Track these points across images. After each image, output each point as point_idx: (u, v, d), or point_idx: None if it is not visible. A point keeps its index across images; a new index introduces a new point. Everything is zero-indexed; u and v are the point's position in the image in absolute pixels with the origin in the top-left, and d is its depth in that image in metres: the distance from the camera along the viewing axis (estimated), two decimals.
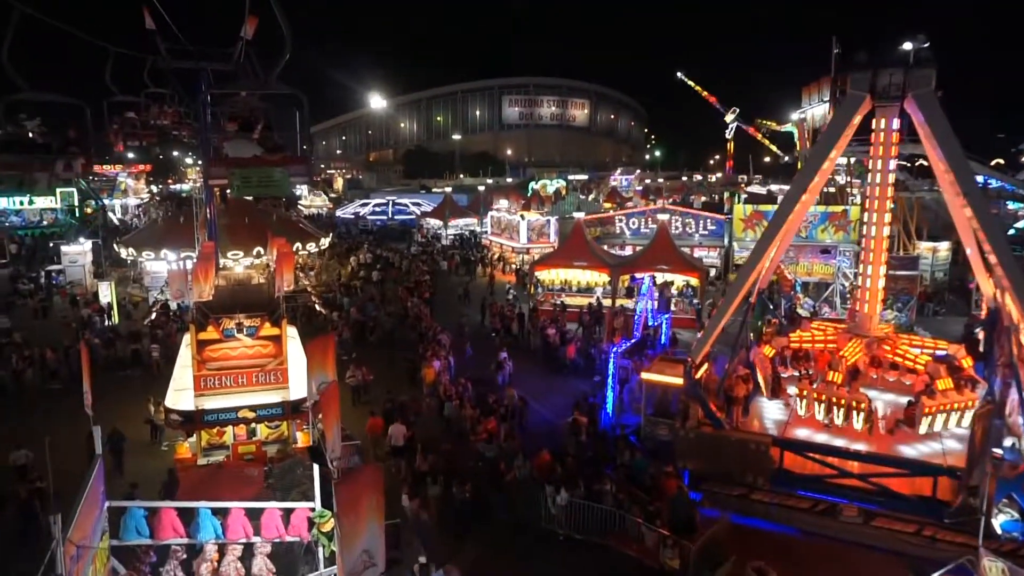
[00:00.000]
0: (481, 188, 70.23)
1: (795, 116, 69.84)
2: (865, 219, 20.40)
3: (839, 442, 17.38)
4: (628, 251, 41.88)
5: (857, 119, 18.78)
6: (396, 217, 73.15)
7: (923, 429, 17.72)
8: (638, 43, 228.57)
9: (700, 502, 15.77)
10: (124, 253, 35.53)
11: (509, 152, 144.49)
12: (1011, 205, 59.93)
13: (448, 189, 71.19)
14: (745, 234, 42.89)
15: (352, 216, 74.65)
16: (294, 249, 30.60)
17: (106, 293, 33.07)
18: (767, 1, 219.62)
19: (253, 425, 17.11)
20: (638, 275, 33.11)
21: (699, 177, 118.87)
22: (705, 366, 18.75)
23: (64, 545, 7.93)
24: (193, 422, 16.35)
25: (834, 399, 18.07)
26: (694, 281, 34.43)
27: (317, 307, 33.25)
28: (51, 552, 7.75)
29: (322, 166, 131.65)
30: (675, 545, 14.17)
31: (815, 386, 18.87)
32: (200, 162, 24.68)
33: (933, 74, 17.85)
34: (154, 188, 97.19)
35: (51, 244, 47.62)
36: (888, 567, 14.34)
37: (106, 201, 71.80)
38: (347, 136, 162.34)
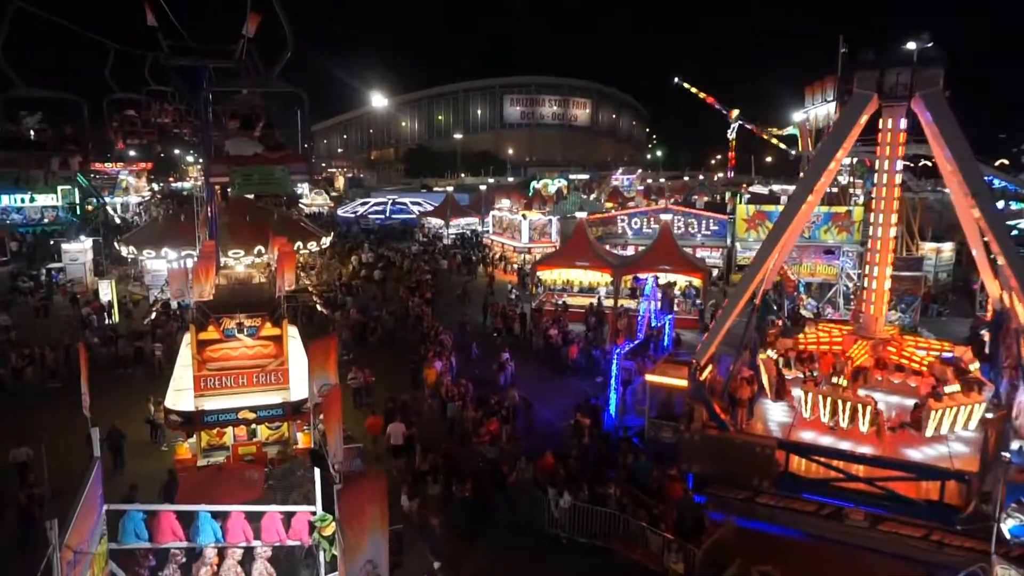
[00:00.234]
0: (483, 187, 70.08)
1: (798, 117, 69.78)
2: (871, 220, 20.18)
3: (845, 445, 17.19)
4: (630, 251, 41.72)
5: (864, 119, 18.60)
6: (397, 216, 72.97)
7: (929, 432, 17.52)
8: (639, 42, 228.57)
9: (705, 505, 15.61)
10: (125, 251, 35.41)
11: (510, 151, 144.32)
12: (1014, 205, 59.75)
13: (450, 188, 71.01)
14: (748, 234, 42.77)
15: (353, 215, 74.50)
16: (295, 248, 30.46)
17: (106, 291, 32.94)
18: (769, 4, 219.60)
19: (253, 426, 16.98)
20: (641, 276, 32.94)
21: (701, 177, 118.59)
22: (709, 368, 18.59)
23: (61, 551, 7.78)
24: (193, 423, 16.21)
25: (840, 401, 17.89)
26: (697, 282, 34.27)
27: (318, 307, 33.09)
28: (47, 558, 7.59)
29: (323, 165, 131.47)
30: (680, 549, 14.01)
31: (821, 387, 18.69)
32: (201, 160, 24.50)
33: (941, 73, 17.65)
34: (155, 186, 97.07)
35: (52, 242, 47.49)
36: (896, 572, 14.20)
37: (107, 199, 71.75)
38: (348, 135, 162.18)
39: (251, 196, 37.76)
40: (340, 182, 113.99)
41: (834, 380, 18.44)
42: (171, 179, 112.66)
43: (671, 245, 35.19)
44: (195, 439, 16.89)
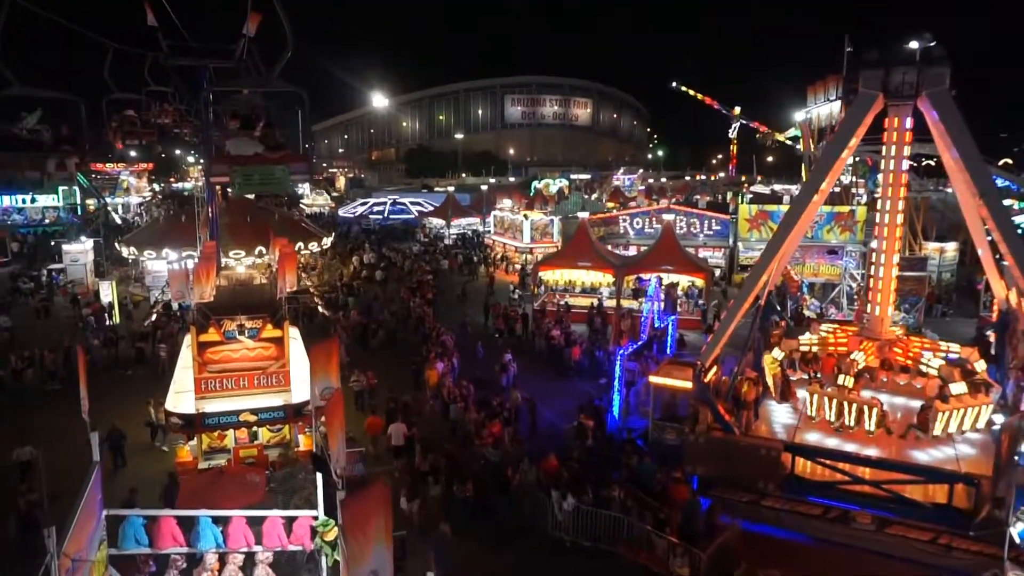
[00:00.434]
0: (484, 188, 69.95)
1: (800, 116, 69.69)
2: (877, 220, 20.03)
3: (850, 447, 17.04)
4: (632, 251, 41.60)
5: (869, 118, 18.44)
6: (398, 216, 72.86)
7: (936, 433, 17.37)
8: (640, 42, 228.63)
9: (711, 508, 15.46)
10: (125, 252, 35.29)
11: (511, 151, 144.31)
12: (1016, 205, 59.64)
13: (451, 188, 70.91)
14: (750, 234, 42.61)
15: (354, 215, 74.41)
16: (296, 248, 30.33)
17: (107, 292, 32.83)
18: (769, 3, 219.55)
19: (255, 429, 16.84)
20: (644, 276, 32.81)
21: (702, 177, 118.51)
22: (714, 369, 18.45)
23: (59, 559, 7.66)
24: (194, 425, 16.07)
25: (846, 403, 17.75)
26: (699, 282, 34.13)
27: (319, 308, 32.94)
28: (45, 566, 7.46)
29: (324, 165, 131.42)
30: (685, 553, 13.87)
31: (826, 389, 18.55)
32: (202, 160, 24.40)
33: (947, 72, 17.51)
34: (156, 186, 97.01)
35: (52, 243, 47.40)
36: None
37: (108, 199, 71.66)
38: (349, 135, 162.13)
39: (252, 196, 37.74)
40: (341, 182, 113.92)
41: (840, 381, 18.30)
42: (172, 180, 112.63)
43: (673, 245, 35.05)
44: (196, 442, 16.74)
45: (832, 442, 17.50)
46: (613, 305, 33.70)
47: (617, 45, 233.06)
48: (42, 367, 24.83)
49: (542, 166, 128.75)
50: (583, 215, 38.38)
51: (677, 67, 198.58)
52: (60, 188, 62.94)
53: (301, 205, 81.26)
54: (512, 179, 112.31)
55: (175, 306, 29.88)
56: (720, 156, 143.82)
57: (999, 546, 13.20)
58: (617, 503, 15.39)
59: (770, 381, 19.95)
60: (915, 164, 51.46)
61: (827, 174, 18.57)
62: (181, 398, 16.91)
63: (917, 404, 19.07)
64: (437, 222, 63.66)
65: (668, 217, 38.08)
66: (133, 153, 74.39)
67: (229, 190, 20.21)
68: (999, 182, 55.65)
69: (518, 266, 46.34)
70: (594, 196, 72.88)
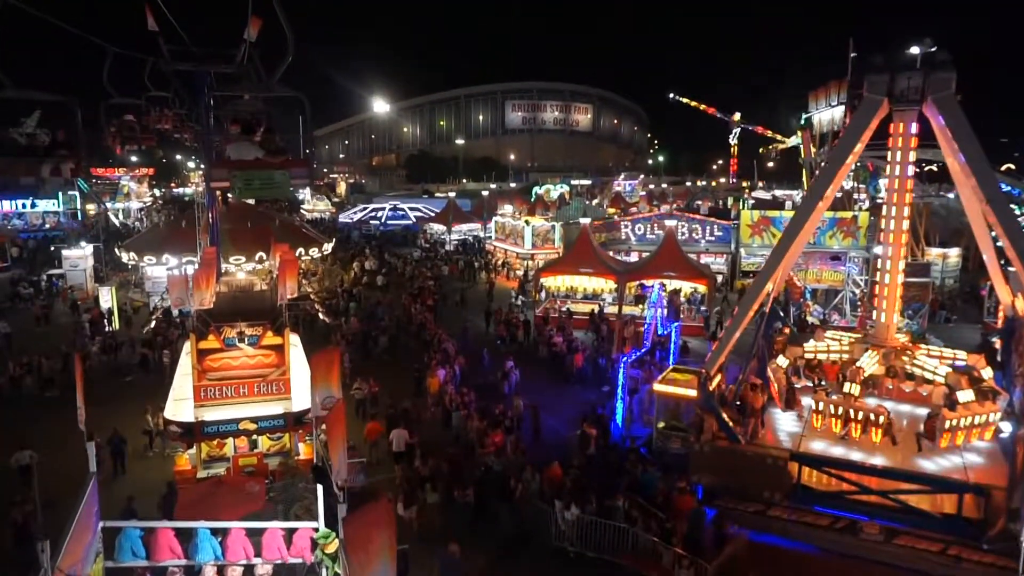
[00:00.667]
0: (485, 193, 69.85)
1: (800, 121, 69.58)
2: (882, 225, 19.86)
3: (856, 455, 16.84)
4: (633, 257, 41.48)
5: (874, 123, 18.30)
6: (399, 222, 72.77)
7: (943, 442, 17.15)
8: (640, 48, 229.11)
9: (718, 518, 15.26)
10: (125, 257, 35.15)
11: (512, 157, 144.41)
12: (1018, 210, 59.59)
13: (452, 194, 70.78)
14: (752, 240, 42.51)
15: (355, 221, 74.31)
16: (297, 254, 30.19)
17: (107, 298, 32.68)
18: (769, 7, 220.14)
19: (254, 437, 16.65)
20: (647, 283, 32.63)
21: (703, 182, 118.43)
22: (718, 377, 18.25)
23: (53, 573, 7.47)
24: (193, 434, 15.89)
25: (852, 411, 17.53)
26: (702, 288, 33.95)
27: (320, 315, 32.69)
28: None
29: (325, 170, 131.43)
30: (691, 565, 13.66)
31: (832, 397, 18.34)
32: (202, 165, 24.27)
33: (953, 77, 17.37)
34: (157, 192, 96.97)
35: (52, 248, 47.31)
36: None
37: (108, 204, 71.62)
38: (350, 140, 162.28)
39: (252, 201, 37.60)
40: (342, 188, 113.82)
41: (845, 389, 18.09)
42: (173, 185, 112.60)
43: (676, 251, 34.89)
44: (195, 450, 16.54)
45: (838, 450, 17.27)
46: (614, 312, 33.60)
47: (618, 51, 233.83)
48: (40, 374, 24.64)
49: (543, 172, 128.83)
50: (585, 221, 38.18)
51: (677, 72, 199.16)
52: (60, 193, 63.18)
53: (302, 210, 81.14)
54: (513, 184, 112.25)
55: (175, 312, 29.70)
56: (720, 162, 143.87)
57: (1014, 559, 12.97)
58: (621, 513, 15.18)
59: (774, 388, 19.75)
60: (917, 169, 51.26)
61: (832, 180, 18.41)
62: (180, 406, 16.72)
63: (923, 412, 18.89)
64: (438, 228, 63.52)
65: (670, 223, 37.84)
66: (134, 158, 74.26)
67: (230, 195, 20.09)
68: (1003, 187, 55.66)
69: (519, 272, 46.15)
70: (595, 202, 72.77)
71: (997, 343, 22.50)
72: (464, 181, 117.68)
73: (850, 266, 36.50)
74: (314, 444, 16.55)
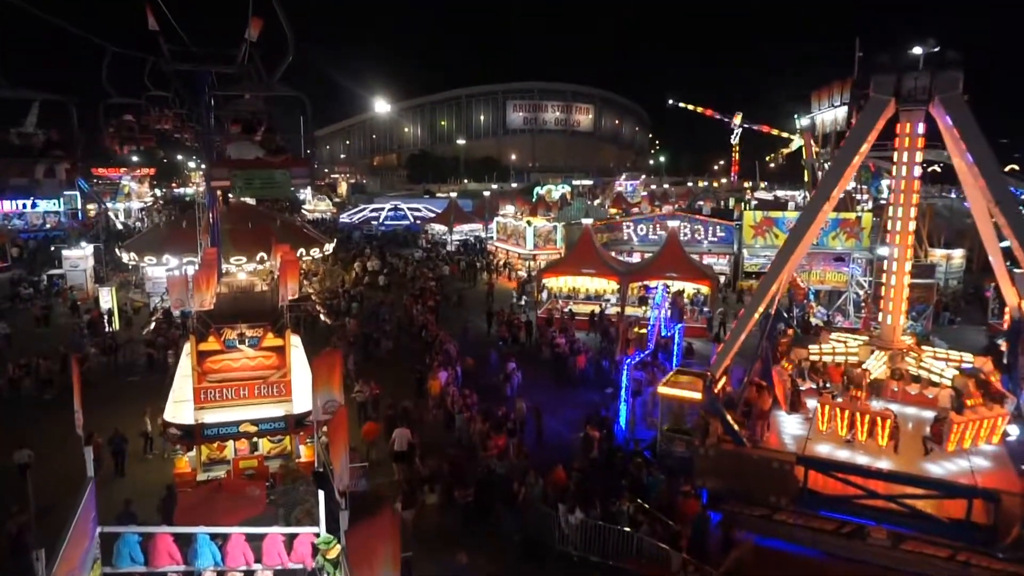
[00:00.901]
0: (486, 193, 69.67)
1: (804, 122, 69.41)
2: (888, 226, 19.69)
3: (862, 459, 16.69)
4: (636, 258, 41.30)
5: (881, 124, 18.14)
6: (400, 222, 72.67)
7: (951, 446, 16.98)
8: (641, 48, 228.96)
9: (723, 522, 15.09)
10: (126, 258, 35.00)
11: (513, 157, 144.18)
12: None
13: (453, 194, 70.62)
14: (755, 241, 42.30)
15: (356, 221, 74.21)
16: (298, 255, 30.04)
17: (107, 299, 32.54)
18: (770, 6, 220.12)
19: (255, 439, 16.50)
20: (651, 284, 32.45)
21: (704, 183, 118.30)
22: (723, 380, 18.09)
23: None
24: (193, 437, 15.73)
25: (858, 414, 17.36)
26: (705, 289, 33.76)
27: (321, 316, 32.48)
28: None
29: (326, 171, 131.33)
30: (697, 570, 13.49)
31: (837, 400, 18.17)
32: (203, 165, 24.12)
33: (961, 77, 17.22)
34: (158, 192, 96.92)
35: (52, 248, 47.18)
36: None
37: (109, 204, 71.55)
38: (351, 140, 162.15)
39: (252, 201, 37.46)
40: (343, 188, 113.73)
41: (851, 392, 17.94)
42: (174, 185, 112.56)
43: (679, 252, 34.71)
44: (195, 453, 16.38)
45: (843, 454, 17.12)
46: (615, 313, 33.46)
47: (619, 51, 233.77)
48: (38, 375, 24.49)
49: (544, 172, 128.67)
50: (587, 221, 37.99)
51: (678, 73, 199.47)
52: (60, 193, 63.12)
53: (303, 211, 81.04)
54: (514, 185, 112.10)
55: (176, 313, 29.56)
56: (722, 162, 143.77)
57: None
58: (626, 517, 15.01)
59: (779, 391, 19.58)
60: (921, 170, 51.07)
61: (839, 181, 18.25)
62: (180, 408, 16.59)
63: (929, 415, 18.73)
64: (439, 228, 63.35)
65: (673, 224, 37.64)
66: (135, 158, 74.19)
67: (230, 195, 19.95)
68: None
69: (521, 273, 45.97)
70: (596, 202, 72.59)
71: (1003, 345, 22.34)
72: (465, 181, 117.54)
73: (853, 267, 36.31)
74: (315, 447, 16.47)
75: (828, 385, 19.31)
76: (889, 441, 17.02)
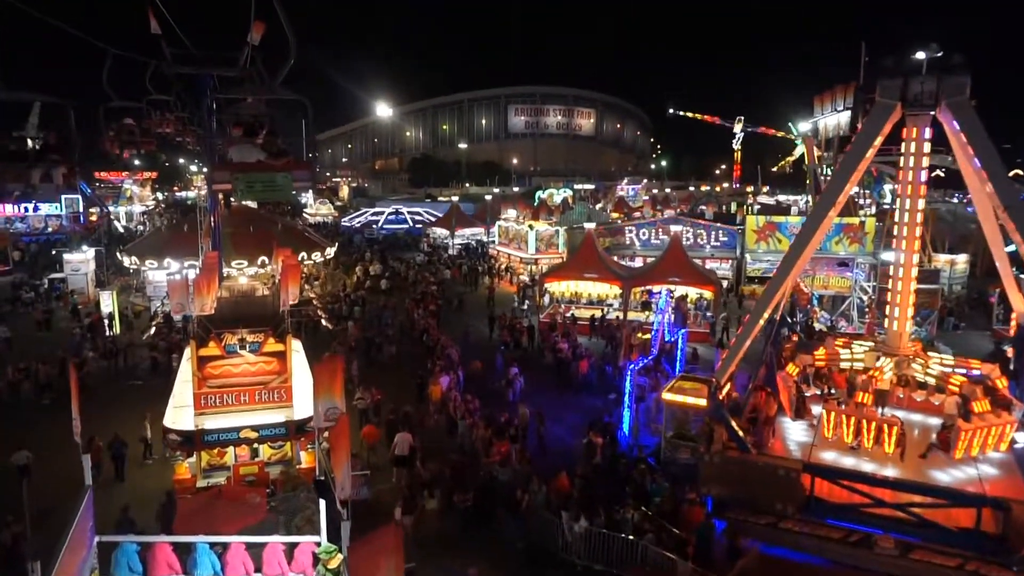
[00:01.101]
0: (488, 197, 69.57)
1: (806, 127, 69.22)
2: (895, 232, 19.52)
3: (868, 466, 16.52)
4: (638, 262, 41.12)
5: (887, 128, 18.00)
6: (402, 226, 72.60)
7: (959, 453, 16.79)
8: (644, 52, 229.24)
9: (728, 531, 14.91)
10: (127, 262, 34.88)
11: (515, 161, 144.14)
12: None
13: (455, 198, 70.52)
14: (758, 246, 42.11)
15: (358, 224, 74.14)
16: (299, 258, 29.90)
17: (108, 303, 32.42)
18: (771, 11, 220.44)
19: (256, 445, 16.34)
20: (654, 289, 32.30)
21: (707, 187, 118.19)
22: (728, 386, 17.91)
23: None
24: (193, 443, 15.58)
25: (864, 421, 17.18)
26: (708, 294, 33.59)
27: (323, 321, 32.24)
28: None
29: (328, 174, 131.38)
30: None
31: (843, 407, 17.99)
32: (205, 168, 24.04)
33: (968, 81, 17.08)
34: (160, 195, 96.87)
35: (53, 252, 47.05)
36: None
37: (111, 208, 71.46)
38: (353, 144, 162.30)
39: (254, 205, 37.37)
40: (345, 191, 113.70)
41: (858, 399, 17.76)
42: (176, 188, 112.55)
43: (682, 257, 34.57)
44: (195, 459, 16.23)
45: (849, 461, 16.93)
46: (615, 317, 33.34)
47: (620, 55, 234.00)
48: (37, 379, 24.37)
49: (545, 176, 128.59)
50: (590, 226, 37.83)
51: (680, 76, 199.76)
52: (63, 197, 63.07)
53: (304, 214, 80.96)
54: (516, 189, 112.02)
55: (177, 317, 29.44)
56: (724, 166, 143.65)
57: None
58: (630, 525, 14.83)
59: (784, 397, 19.41)
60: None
61: (845, 186, 18.11)
62: (180, 413, 16.43)
63: (935, 422, 18.54)
64: (441, 232, 63.24)
65: (676, 228, 37.48)
66: (137, 162, 74.14)
67: (232, 199, 19.91)
68: None
69: (523, 277, 45.81)
70: (598, 206, 72.48)
71: (1009, 351, 22.14)
72: (467, 185, 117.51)
73: (857, 272, 36.12)
74: (316, 453, 16.31)
75: (834, 391, 19.12)
76: (896, 448, 16.84)
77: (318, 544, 10.29)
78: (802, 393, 19.45)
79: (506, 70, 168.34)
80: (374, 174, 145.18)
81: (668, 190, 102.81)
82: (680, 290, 32.75)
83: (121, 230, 65.62)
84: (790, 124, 57.79)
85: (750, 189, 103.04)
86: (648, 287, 33.55)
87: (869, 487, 15.40)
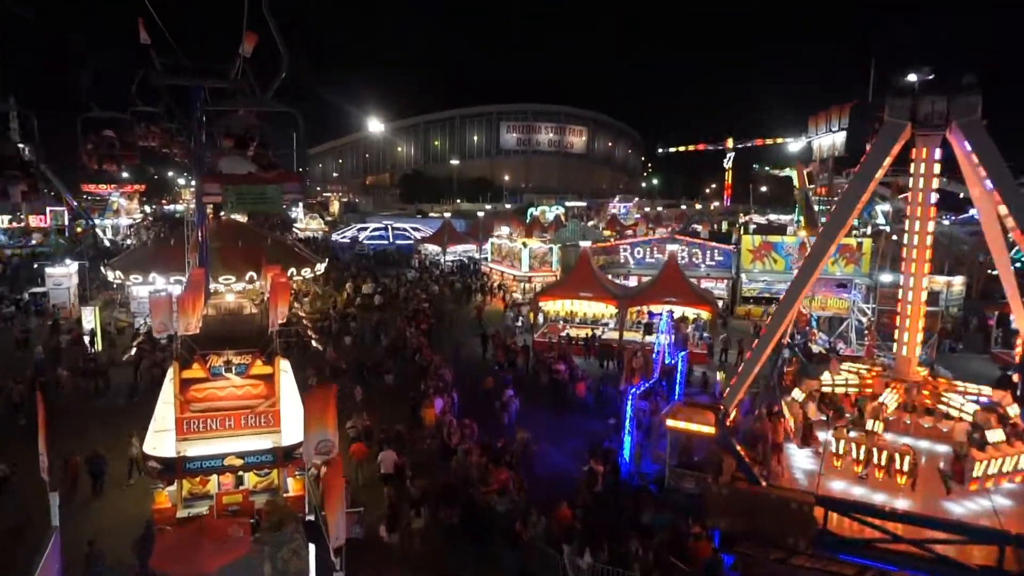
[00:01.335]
0: (480, 214, 69.10)
1: (795, 147, 69.46)
2: (903, 255, 19.06)
3: (878, 496, 15.92)
4: (632, 281, 40.62)
5: (896, 149, 17.60)
6: (393, 242, 71.89)
7: (973, 485, 16.20)
8: (635, 71, 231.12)
9: (735, 565, 14.21)
10: (111, 276, 33.91)
11: (506, 178, 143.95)
12: None
13: (448, 214, 69.98)
14: (753, 265, 41.81)
15: (348, 240, 73.39)
16: (289, 274, 29.11)
17: (90, 319, 31.44)
18: (764, 28, 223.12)
19: (241, 473, 15.48)
20: (655, 311, 31.75)
21: (699, 206, 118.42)
22: (733, 412, 17.28)
23: None
24: (174, 470, 14.71)
25: (875, 449, 16.57)
26: (705, 315, 33.06)
27: (313, 342, 31.25)
28: None
29: (318, 189, 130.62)
30: None
31: (852, 435, 17.38)
32: (193, 181, 23.35)
33: (979, 101, 16.74)
34: (147, 208, 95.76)
35: (35, 265, 45.92)
36: None
37: (97, 221, 70.35)
38: (344, 159, 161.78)
39: (243, 219, 36.62)
40: (335, 206, 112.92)
41: (868, 426, 17.15)
42: (164, 201, 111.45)
43: (678, 276, 34.08)
44: (176, 487, 15.35)
45: (858, 491, 16.34)
46: (609, 338, 32.76)
47: (613, 74, 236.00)
48: (11, 399, 23.40)
49: (537, 193, 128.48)
50: (585, 244, 37.30)
51: (671, 92, 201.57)
52: (49, 208, 62.03)
53: (294, 229, 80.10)
54: (508, 206, 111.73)
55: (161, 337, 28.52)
56: (714, 185, 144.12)
57: None
58: (636, 559, 14.09)
59: (790, 423, 18.80)
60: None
61: (856, 205, 17.68)
62: (161, 438, 15.53)
63: (942, 448, 17.98)
64: (432, 248, 62.60)
65: (673, 247, 37.02)
66: (125, 174, 73.09)
67: (223, 213, 19.36)
68: None
69: (516, 295, 45.15)
70: (591, 223, 72.12)
71: (1015, 377, 21.70)
72: (458, 201, 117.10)
73: (854, 293, 35.75)
74: (305, 481, 15.49)
75: (848, 415, 18.48)
76: (908, 479, 16.23)
77: None
78: (809, 419, 18.85)
79: (498, 87, 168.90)
80: (365, 189, 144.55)
81: (660, 208, 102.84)
82: (677, 311, 32.19)
83: (107, 243, 64.48)
84: (807, 142, 57.95)
85: (742, 208, 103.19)
86: (647, 307, 32.98)
87: (884, 521, 14.73)
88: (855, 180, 17.77)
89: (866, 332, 33.34)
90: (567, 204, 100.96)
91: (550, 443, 21.29)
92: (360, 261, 61.57)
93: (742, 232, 52.10)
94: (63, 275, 38.13)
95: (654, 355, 22.55)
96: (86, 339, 31.01)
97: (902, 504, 15.61)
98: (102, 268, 35.75)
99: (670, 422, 17.44)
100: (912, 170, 18.06)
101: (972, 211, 57.80)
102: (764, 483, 15.48)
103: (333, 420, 9.24)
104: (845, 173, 61.07)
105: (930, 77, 18.14)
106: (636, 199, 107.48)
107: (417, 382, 25.34)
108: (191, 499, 15.50)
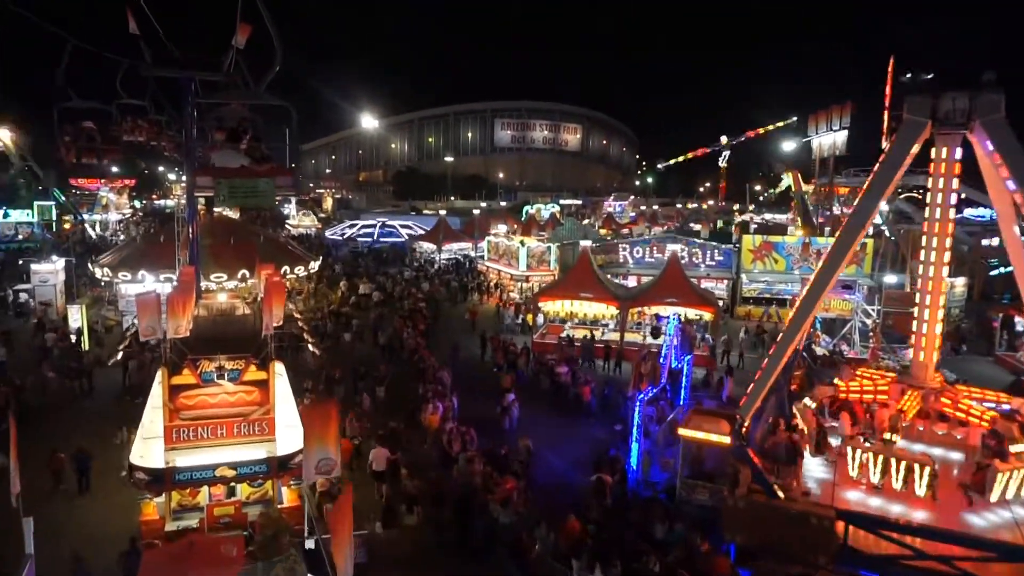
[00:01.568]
0: (476, 212, 68.30)
1: (788, 147, 69.06)
2: (921, 257, 18.47)
3: (896, 508, 15.37)
4: (631, 281, 39.94)
5: (916, 147, 17.01)
6: (386, 240, 70.96)
7: (994, 496, 15.64)
8: (630, 68, 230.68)
9: None
10: (99, 273, 32.92)
11: (501, 175, 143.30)
12: None
13: (442, 212, 69.13)
14: (754, 265, 41.26)
15: (341, 237, 72.41)
16: (282, 272, 28.27)
17: (76, 317, 30.51)
18: (761, 27, 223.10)
19: (233, 484, 14.72)
20: (662, 314, 31.11)
21: (693, 204, 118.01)
22: (748, 421, 16.62)
23: None
24: (163, 482, 13.93)
25: (893, 459, 15.98)
26: (707, 316, 32.41)
27: (309, 345, 30.34)
28: None
29: (311, 185, 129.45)
30: None
31: (868, 443, 16.79)
32: (184, 176, 22.59)
33: (1002, 99, 16.17)
34: (137, 203, 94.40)
35: (20, 261, 44.73)
36: None
37: (86, 216, 69.07)
38: (337, 155, 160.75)
39: (235, 215, 35.72)
40: (328, 203, 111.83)
41: (886, 436, 16.57)
42: (154, 197, 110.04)
43: (680, 277, 33.40)
44: (164, 499, 14.58)
45: (875, 502, 15.78)
46: (609, 339, 32.11)
47: (607, 71, 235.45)
48: None
49: (531, 191, 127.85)
50: (585, 243, 36.57)
51: (666, 91, 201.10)
52: (36, 203, 60.81)
53: (287, 225, 79.02)
54: (503, 203, 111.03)
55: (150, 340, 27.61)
56: (708, 184, 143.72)
57: None
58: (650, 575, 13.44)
59: (802, 431, 18.18)
60: (920, 195, 50.59)
61: (876, 205, 17.11)
62: (149, 447, 14.72)
63: (956, 456, 17.42)
64: (428, 246, 61.70)
65: (674, 247, 36.36)
66: (115, 168, 71.75)
67: (216, 209, 18.78)
68: None
69: (513, 294, 44.39)
70: (585, 222, 71.46)
71: None
72: (452, 199, 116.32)
73: (857, 294, 35.20)
74: (303, 490, 14.73)
75: (873, 428, 17.89)
76: (928, 491, 15.65)
77: None
78: (823, 427, 18.25)
79: (493, 84, 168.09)
80: (358, 186, 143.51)
81: (655, 207, 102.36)
82: (678, 311, 31.52)
83: (95, 239, 63.28)
84: (804, 139, 57.58)
85: (736, 207, 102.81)
86: (654, 309, 32.36)
87: (911, 537, 14.09)
88: (875, 178, 17.12)
89: (871, 334, 32.79)
90: (561, 202, 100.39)
91: (552, 450, 20.61)
92: (355, 259, 60.62)
93: (742, 232, 51.51)
94: (49, 272, 37.07)
95: (662, 359, 21.85)
96: (72, 338, 30.08)
97: (921, 515, 15.06)
98: (90, 265, 34.78)
99: (683, 431, 16.77)
100: (931, 170, 17.46)
101: (967, 211, 57.68)
102: (782, 495, 14.84)
103: (335, 437, 8.52)
104: (845, 172, 60.82)
105: (929, 77, 17.60)
106: (631, 197, 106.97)
107: (414, 385, 24.60)
108: (180, 511, 14.77)
